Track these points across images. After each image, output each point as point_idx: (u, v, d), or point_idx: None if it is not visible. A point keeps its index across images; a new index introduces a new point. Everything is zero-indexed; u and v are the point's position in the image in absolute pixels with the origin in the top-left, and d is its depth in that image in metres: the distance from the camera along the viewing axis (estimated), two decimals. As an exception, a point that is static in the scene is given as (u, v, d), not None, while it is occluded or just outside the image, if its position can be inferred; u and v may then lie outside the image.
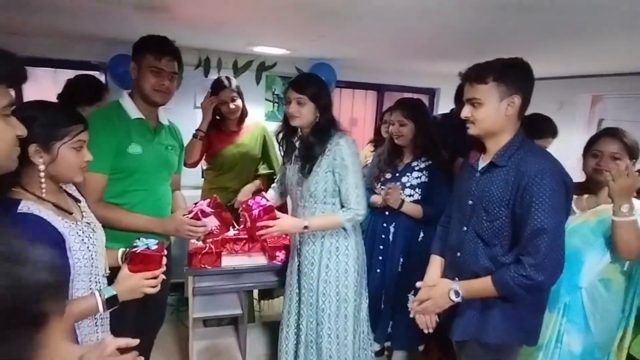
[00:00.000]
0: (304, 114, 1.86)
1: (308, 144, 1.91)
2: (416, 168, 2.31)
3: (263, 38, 2.83)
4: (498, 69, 1.43)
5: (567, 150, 3.07)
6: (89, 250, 1.22)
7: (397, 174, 2.34)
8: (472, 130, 1.52)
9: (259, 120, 3.11)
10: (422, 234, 2.32)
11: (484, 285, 1.48)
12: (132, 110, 1.74)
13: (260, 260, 2.35)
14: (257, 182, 2.71)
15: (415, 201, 2.28)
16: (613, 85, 3.58)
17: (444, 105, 4.42)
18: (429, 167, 2.29)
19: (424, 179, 2.29)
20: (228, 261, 2.28)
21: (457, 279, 1.57)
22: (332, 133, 1.91)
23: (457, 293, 1.50)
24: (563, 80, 3.94)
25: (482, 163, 1.57)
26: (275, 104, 3.88)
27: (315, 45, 2.97)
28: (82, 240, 1.20)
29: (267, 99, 3.84)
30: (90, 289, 1.24)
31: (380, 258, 2.37)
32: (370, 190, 2.37)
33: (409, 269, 2.29)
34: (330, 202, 1.95)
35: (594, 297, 1.76)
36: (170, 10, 2.02)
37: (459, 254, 1.61)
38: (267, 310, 3.13)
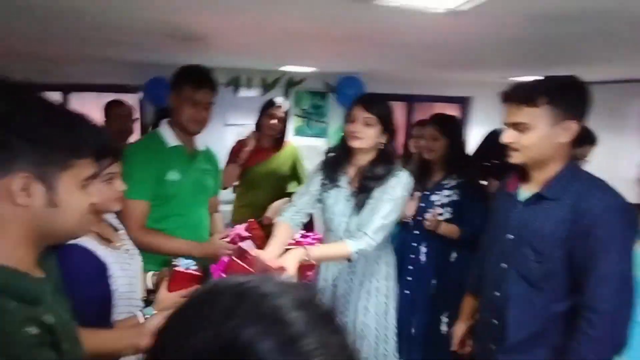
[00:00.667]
0: (369, 135, 1.64)
1: (372, 174, 1.67)
2: (446, 186, 2.18)
3: (292, 58, 2.84)
4: (552, 90, 1.23)
5: (620, 158, 2.83)
6: (128, 277, 1.26)
7: (427, 192, 2.21)
8: (516, 158, 1.31)
9: (291, 139, 3.11)
10: (455, 255, 2.19)
11: None
12: (170, 137, 1.77)
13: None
14: (287, 199, 2.70)
15: (446, 220, 2.14)
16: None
17: (478, 115, 4.26)
18: (461, 185, 2.16)
19: (455, 197, 2.15)
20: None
21: (495, 321, 1.39)
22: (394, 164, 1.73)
23: None
24: (613, 85, 3.56)
25: (525, 193, 1.36)
26: (304, 119, 3.88)
27: (343, 60, 2.94)
28: (122, 267, 1.24)
29: (296, 115, 3.85)
30: (130, 312, 1.26)
31: (410, 279, 2.21)
32: None
33: (442, 291, 2.15)
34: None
35: None
36: (207, 39, 2.07)
37: (497, 293, 1.40)
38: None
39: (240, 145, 2.61)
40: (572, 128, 1.23)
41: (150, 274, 1.47)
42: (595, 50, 2.13)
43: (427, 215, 2.14)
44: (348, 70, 3.61)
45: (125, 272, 1.25)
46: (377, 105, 1.67)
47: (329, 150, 1.86)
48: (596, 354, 1.16)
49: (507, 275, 1.36)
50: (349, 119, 1.67)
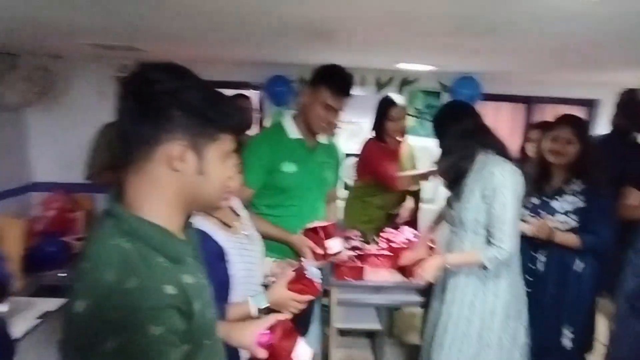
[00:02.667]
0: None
1: (452, 166, 1.77)
2: (569, 192, 1.98)
3: (411, 56, 2.74)
4: None
5: None
6: (246, 262, 1.25)
7: (546, 199, 2.01)
8: None
9: (409, 138, 3.04)
10: (581, 265, 1.96)
11: None
12: (292, 130, 1.76)
13: (400, 277, 2.25)
14: (411, 199, 2.65)
15: (571, 229, 1.94)
16: None
17: (607, 119, 3.77)
18: (586, 191, 1.95)
19: (580, 204, 1.94)
20: (370, 276, 2.24)
21: None
22: (486, 155, 1.73)
23: None
24: None
25: None
26: (418, 119, 3.75)
27: (463, 60, 2.78)
28: (241, 253, 1.24)
29: (408, 114, 3.73)
30: (247, 296, 1.25)
31: (529, 290, 2.01)
32: None
33: (563, 303, 1.96)
34: (481, 233, 1.74)
35: None
36: (333, 34, 2.06)
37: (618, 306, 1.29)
38: (402, 326, 3.03)
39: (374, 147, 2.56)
40: None
41: (270, 260, 1.46)
42: None
43: (533, 220, 1.94)
44: (466, 70, 3.40)
45: (244, 257, 1.24)
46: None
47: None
48: None
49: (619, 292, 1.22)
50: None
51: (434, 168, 2.34)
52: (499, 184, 1.65)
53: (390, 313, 2.77)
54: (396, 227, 2.53)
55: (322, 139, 1.88)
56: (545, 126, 2.38)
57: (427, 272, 1.73)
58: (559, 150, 1.96)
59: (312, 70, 1.73)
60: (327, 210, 2.02)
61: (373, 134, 2.58)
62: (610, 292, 2.50)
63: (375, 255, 2.32)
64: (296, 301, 1.30)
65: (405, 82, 3.54)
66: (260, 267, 1.38)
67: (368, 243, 2.37)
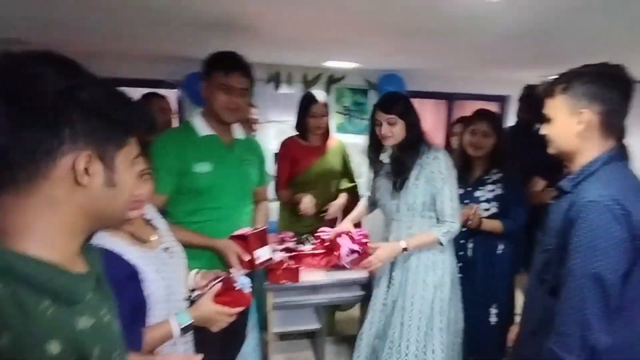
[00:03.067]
0: (396, 132, 1.82)
1: (399, 160, 1.87)
2: (489, 181, 2.15)
3: (337, 54, 2.74)
4: (567, 79, 1.16)
5: None
6: (165, 279, 1.14)
7: (469, 189, 2.16)
8: (549, 149, 1.26)
9: (337, 135, 3.02)
10: (502, 247, 2.15)
11: None
12: (202, 128, 1.64)
13: (338, 275, 2.23)
14: (344, 195, 2.62)
15: (492, 215, 2.11)
16: None
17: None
18: (502, 179, 2.13)
19: (499, 191, 2.12)
20: (306, 276, 2.19)
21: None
22: (424, 147, 1.86)
23: None
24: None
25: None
26: (345, 116, 3.78)
27: (386, 58, 2.83)
28: (158, 269, 1.13)
29: (337, 112, 3.73)
30: (169, 315, 1.15)
31: (460, 276, 2.13)
32: None
33: (490, 285, 2.13)
34: (427, 215, 1.88)
35: None
36: (251, 30, 1.97)
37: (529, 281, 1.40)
38: (343, 323, 3.02)
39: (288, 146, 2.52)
40: (584, 117, 1.13)
41: (193, 272, 1.34)
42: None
43: (465, 211, 2.04)
44: (389, 68, 3.48)
45: (163, 274, 1.13)
46: (394, 104, 1.81)
47: (367, 148, 1.99)
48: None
49: (533, 266, 1.35)
50: (375, 123, 1.86)
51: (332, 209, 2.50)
52: (444, 167, 1.82)
53: (329, 311, 2.75)
54: (332, 225, 2.50)
55: (240, 134, 1.78)
56: (465, 121, 2.51)
57: (382, 260, 1.82)
58: (477, 143, 2.12)
59: (205, 64, 1.63)
60: (256, 211, 1.92)
61: (295, 131, 2.54)
62: (526, 270, 2.71)
63: (310, 255, 2.27)
64: (225, 314, 1.22)
65: (333, 79, 3.54)
66: (183, 281, 1.26)
67: (302, 243, 2.32)
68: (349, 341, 2.70)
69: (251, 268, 1.58)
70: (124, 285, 1.03)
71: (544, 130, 1.25)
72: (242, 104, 1.63)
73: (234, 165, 1.70)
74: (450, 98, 4.14)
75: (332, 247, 2.16)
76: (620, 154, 1.21)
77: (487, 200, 2.13)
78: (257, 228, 1.68)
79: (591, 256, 1.04)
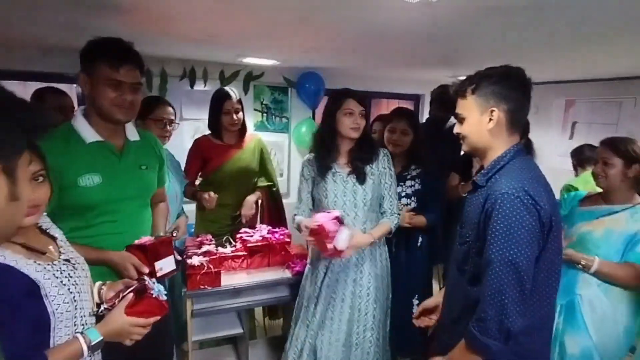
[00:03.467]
0: (363, 125, 1.86)
1: (362, 155, 1.90)
2: (408, 177, 2.23)
3: (253, 50, 2.67)
4: (475, 81, 1.26)
5: (545, 149, 3.11)
6: (70, 292, 1.02)
7: None
8: (464, 147, 1.36)
9: (254, 132, 2.95)
10: (421, 240, 2.26)
11: (463, 354, 1.23)
12: (87, 132, 1.39)
13: (260, 276, 2.18)
14: (257, 192, 2.55)
15: (412, 209, 2.20)
16: (584, 91, 3.68)
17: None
18: (420, 174, 2.22)
19: (417, 187, 2.21)
20: (227, 280, 2.11)
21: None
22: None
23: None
24: (538, 85, 3.96)
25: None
26: (264, 114, 3.71)
27: (305, 56, 2.83)
28: (61, 282, 1.01)
29: (255, 109, 3.64)
30: (76, 332, 1.04)
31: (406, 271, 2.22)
32: None
33: (412, 277, 2.22)
34: (375, 210, 1.95)
35: (592, 302, 1.74)
36: (162, 20, 1.84)
37: (449, 272, 1.52)
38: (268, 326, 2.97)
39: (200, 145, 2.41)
40: (495, 115, 1.23)
41: (98, 284, 1.21)
42: (531, 51, 2.28)
43: (406, 210, 2.15)
44: (308, 66, 3.49)
45: (65, 287, 1.01)
46: (363, 97, 1.87)
47: (317, 142, 1.94)
48: (499, 340, 1.14)
49: (451, 256, 1.43)
50: (343, 113, 1.80)
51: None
52: (388, 163, 1.94)
53: (252, 314, 2.69)
54: (253, 227, 2.45)
55: (133, 134, 1.54)
56: (384, 119, 2.61)
57: (359, 247, 1.82)
58: (396, 140, 2.19)
59: (83, 53, 1.39)
60: (155, 215, 1.72)
61: (208, 130, 2.45)
62: (443, 261, 2.90)
63: (231, 258, 2.20)
64: (139, 326, 1.11)
65: (251, 76, 3.46)
66: (89, 295, 1.14)
67: (223, 246, 2.23)
68: (274, 342, 2.66)
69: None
70: (19, 303, 0.91)
71: (458, 129, 1.33)
72: (135, 100, 1.42)
73: (128, 174, 1.48)
74: (367, 96, 4.27)
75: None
76: (525, 149, 1.32)
77: (407, 196, 2.21)
78: (159, 237, 1.52)
79: (507, 245, 1.11)
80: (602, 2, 1.32)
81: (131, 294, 1.13)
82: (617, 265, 1.72)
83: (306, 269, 2.07)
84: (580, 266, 1.75)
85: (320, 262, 1.96)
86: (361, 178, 1.87)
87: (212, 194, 2.25)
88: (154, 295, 1.14)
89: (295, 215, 1.99)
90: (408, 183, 2.22)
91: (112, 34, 1.40)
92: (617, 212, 1.78)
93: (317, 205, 1.97)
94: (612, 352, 1.75)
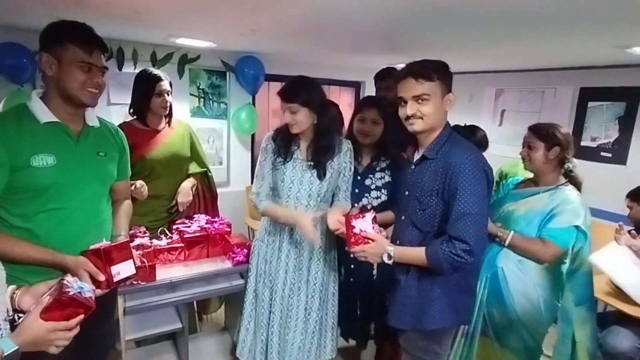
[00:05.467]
0: (300, 120, 1.79)
1: (322, 150, 1.88)
2: (377, 168, 2.14)
3: (187, 30, 2.54)
4: (440, 68, 1.48)
5: None
6: None
7: (359, 177, 2.12)
8: (419, 126, 1.50)
9: (181, 117, 2.82)
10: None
11: (416, 254, 1.52)
12: (43, 113, 1.37)
13: (199, 268, 2.12)
14: (192, 179, 2.43)
15: (382, 202, 2.11)
16: (512, 80, 3.93)
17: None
18: (390, 166, 2.15)
19: (387, 178, 2.13)
20: (163, 273, 2.02)
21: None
22: (336, 136, 1.93)
23: (389, 256, 1.53)
24: (472, 75, 4.18)
25: (417, 156, 1.61)
26: (201, 99, 3.56)
27: (243, 39, 2.74)
28: None
29: (192, 94, 3.48)
30: None
31: (352, 267, 2.18)
32: None
33: (384, 272, 2.09)
34: (329, 200, 1.98)
35: (509, 276, 1.89)
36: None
37: (398, 241, 1.63)
38: (206, 319, 2.90)
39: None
40: (451, 99, 1.50)
41: (10, 288, 1.11)
42: (462, 43, 2.43)
43: (364, 201, 2.10)
44: (247, 50, 3.39)
45: None
46: (294, 92, 1.79)
47: (276, 134, 1.95)
48: (453, 265, 1.44)
49: (404, 225, 1.63)
50: (282, 110, 1.82)
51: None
52: (350, 158, 1.96)
53: (192, 308, 2.61)
54: (191, 217, 2.36)
55: (94, 121, 1.52)
56: (356, 109, 2.62)
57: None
58: (367, 130, 2.09)
59: (41, 35, 1.36)
60: (116, 214, 1.65)
61: (132, 113, 2.28)
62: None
63: (167, 250, 2.11)
64: (62, 330, 1.03)
65: (185, 59, 3.30)
66: (3, 297, 1.05)
67: (158, 238, 2.13)
68: (214, 337, 2.62)
69: (108, 288, 1.36)
70: None
71: (416, 108, 1.47)
72: (102, 84, 1.43)
73: (85, 159, 1.45)
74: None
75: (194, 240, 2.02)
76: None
77: (377, 188, 2.13)
78: (116, 241, 1.46)
79: (474, 199, 1.41)
80: (524, 8, 1.58)
81: (47, 297, 1.04)
82: (529, 239, 1.87)
83: (258, 250, 2.04)
84: (497, 239, 1.91)
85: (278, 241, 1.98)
86: (320, 172, 1.88)
87: (139, 183, 2.09)
88: (71, 294, 1.05)
89: (261, 200, 1.93)
90: (378, 175, 2.14)
91: (19, 8, 1.27)
92: (540, 193, 1.93)
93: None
94: (535, 324, 1.91)
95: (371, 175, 2.14)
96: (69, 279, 1.09)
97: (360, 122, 2.11)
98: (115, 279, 1.36)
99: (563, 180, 1.93)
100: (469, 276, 1.61)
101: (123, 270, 1.40)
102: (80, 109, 1.45)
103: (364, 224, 1.58)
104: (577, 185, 1.94)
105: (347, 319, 2.20)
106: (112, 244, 1.39)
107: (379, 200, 2.12)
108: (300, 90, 1.79)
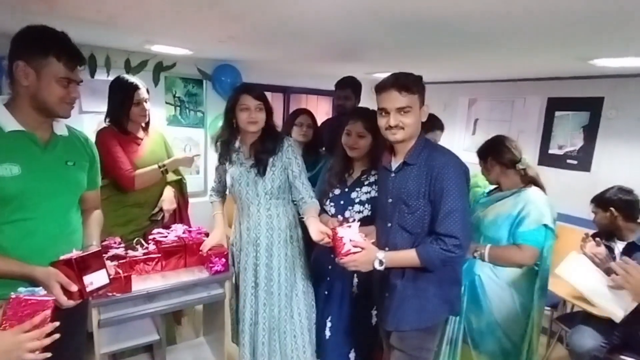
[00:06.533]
0: (261, 119, 1.96)
1: (264, 147, 2.01)
2: (365, 182, 2.07)
3: (163, 36, 2.53)
4: (418, 82, 1.58)
5: (452, 143, 3.43)
6: None
7: (347, 189, 2.10)
8: (400, 135, 1.58)
9: (158, 126, 2.80)
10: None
11: (406, 256, 1.59)
12: (8, 121, 1.33)
13: (176, 278, 2.09)
14: (169, 189, 2.41)
15: (365, 217, 2.02)
16: (484, 90, 4.07)
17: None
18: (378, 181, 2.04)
19: (373, 193, 2.03)
20: (140, 284, 1.99)
21: (386, 271, 1.64)
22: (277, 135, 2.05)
23: (381, 262, 1.57)
24: (446, 84, 4.31)
25: (395, 164, 1.68)
26: (177, 108, 3.54)
27: (220, 46, 2.75)
28: None
29: (167, 102, 3.46)
30: None
31: (328, 279, 2.16)
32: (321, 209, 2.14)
33: (367, 289, 2.05)
34: (282, 197, 2.07)
35: (485, 281, 1.98)
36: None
37: (387, 248, 1.67)
38: (181, 329, 2.86)
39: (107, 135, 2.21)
40: (425, 110, 1.62)
41: None
42: (433, 55, 2.56)
43: (346, 215, 2.06)
44: (224, 57, 3.40)
45: None
46: (261, 92, 1.99)
47: (218, 136, 2.09)
48: (444, 260, 1.53)
49: (392, 231, 1.68)
50: (239, 108, 1.95)
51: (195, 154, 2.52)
52: (293, 153, 2.04)
53: (169, 318, 2.57)
54: (168, 227, 2.34)
55: (62, 130, 1.49)
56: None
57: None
58: (352, 144, 2.05)
59: (17, 40, 1.32)
60: (86, 223, 1.62)
61: (108, 122, 2.25)
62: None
63: (144, 261, 2.08)
64: (27, 330, 1.02)
65: (161, 67, 3.28)
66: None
67: (133, 249, 2.10)
68: (193, 345, 2.59)
69: (81, 298, 1.33)
70: None
71: (400, 119, 1.56)
72: (78, 97, 1.43)
73: (52, 168, 1.42)
74: (286, 91, 4.30)
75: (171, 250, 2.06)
76: None
77: (361, 203, 2.06)
78: (87, 250, 1.43)
79: (459, 197, 1.51)
80: (487, 23, 1.70)
81: (3, 309, 1.03)
82: (504, 248, 1.96)
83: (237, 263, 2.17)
84: (476, 254, 1.99)
85: (247, 245, 2.12)
86: (261, 171, 2.00)
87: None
88: (23, 296, 1.05)
89: (211, 195, 2.24)
90: (364, 189, 2.07)
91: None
92: (506, 197, 2.03)
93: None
94: (513, 326, 1.99)
95: (358, 189, 2.08)
96: (20, 290, 1.10)
97: (347, 136, 2.07)
98: (89, 289, 1.34)
99: (522, 182, 2.04)
100: (457, 268, 1.73)
101: (96, 280, 1.38)
102: (48, 118, 1.42)
103: (352, 234, 1.59)
104: (537, 184, 2.04)
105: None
106: (84, 254, 1.37)
107: (361, 215, 2.05)
108: (262, 91, 2.01)
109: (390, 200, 1.68)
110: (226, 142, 2.06)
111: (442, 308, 1.69)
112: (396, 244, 1.65)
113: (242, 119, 1.95)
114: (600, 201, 2.34)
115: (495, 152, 2.08)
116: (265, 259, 2.07)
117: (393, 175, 1.67)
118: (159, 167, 2.29)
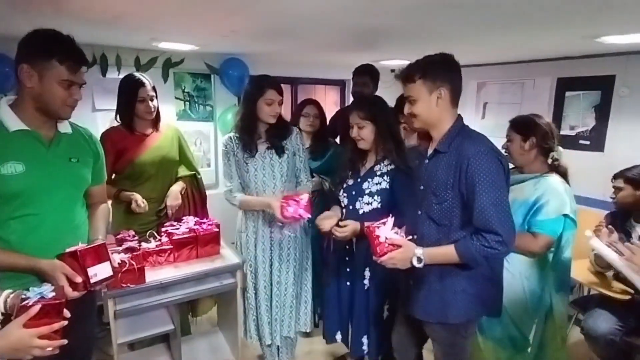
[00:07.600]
0: (280, 111, 2.13)
1: (278, 131, 2.18)
2: (378, 173, 2.00)
3: (168, 33, 2.53)
4: (422, 67, 1.50)
5: None
6: None
7: (359, 179, 2.05)
8: (415, 124, 1.59)
9: (169, 120, 2.82)
10: None
11: (446, 253, 1.50)
12: (12, 121, 1.37)
13: (188, 269, 2.12)
14: (181, 182, 2.44)
15: (374, 209, 1.97)
16: (493, 73, 3.97)
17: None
18: (391, 171, 1.98)
19: (384, 185, 1.97)
20: (153, 275, 2.02)
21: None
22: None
23: (419, 259, 1.50)
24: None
25: (430, 150, 1.63)
26: (187, 103, 3.56)
27: (226, 41, 2.74)
28: None
29: (177, 98, 3.48)
30: None
31: (348, 270, 2.15)
32: (336, 200, 2.16)
33: (379, 283, 2.04)
34: (293, 181, 2.26)
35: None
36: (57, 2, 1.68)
37: (415, 236, 1.61)
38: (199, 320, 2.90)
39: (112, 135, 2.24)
40: (443, 94, 1.50)
41: (5, 293, 1.13)
42: (442, 40, 2.48)
43: (356, 205, 2.04)
44: (231, 52, 3.40)
45: None
46: (281, 86, 2.13)
47: (239, 124, 2.17)
48: (486, 257, 1.44)
49: (420, 219, 1.62)
50: (266, 102, 2.08)
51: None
52: (300, 141, 2.28)
53: (183, 309, 2.61)
54: (179, 219, 2.36)
55: (66, 127, 1.52)
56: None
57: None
58: (355, 137, 2.01)
59: (23, 44, 1.36)
60: (93, 217, 1.65)
61: (118, 120, 2.28)
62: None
63: (156, 252, 2.10)
64: (45, 334, 1.05)
65: (169, 63, 3.29)
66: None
67: (146, 241, 2.13)
68: (208, 335, 2.62)
69: (86, 289, 1.36)
70: None
71: (409, 109, 1.55)
72: (80, 98, 1.45)
73: (57, 165, 1.45)
74: (293, 82, 4.27)
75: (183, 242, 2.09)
76: None
77: (371, 194, 1.99)
78: (92, 243, 1.46)
79: (493, 189, 1.40)
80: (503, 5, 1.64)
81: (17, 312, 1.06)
82: (518, 235, 1.88)
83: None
84: None
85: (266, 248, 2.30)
86: (279, 151, 2.16)
87: (138, 199, 2.19)
88: (31, 302, 1.07)
89: (234, 196, 2.21)
90: (376, 180, 2.00)
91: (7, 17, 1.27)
92: (524, 181, 1.95)
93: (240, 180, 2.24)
94: (520, 313, 1.93)
95: (369, 179, 2.02)
96: (27, 293, 1.11)
97: (351, 129, 2.03)
98: (93, 280, 1.38)
99: (547, 169, 1.94)
100: (495, 266, 1.61)
101: (100, 272, 1.41)
102: (52, 118, 1.46)
103: (388, 231, 1.53)
104: (563, 174, 1.95)
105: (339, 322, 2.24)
106: (88, 246, 1.40)
107: (370, 207, 1.99)
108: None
109: (422, 187, 1.62)
110: (249, 132, 2.15)
111: (473, 307, 1.58)
112: (423, 234, 1.59)
113: (266, 111, 2.09)
114: (628, 178, 2.22)
115: (541, 135, 1.93)
116: (278, 239, 2.25)
117: (427, 162, 1.61)
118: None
